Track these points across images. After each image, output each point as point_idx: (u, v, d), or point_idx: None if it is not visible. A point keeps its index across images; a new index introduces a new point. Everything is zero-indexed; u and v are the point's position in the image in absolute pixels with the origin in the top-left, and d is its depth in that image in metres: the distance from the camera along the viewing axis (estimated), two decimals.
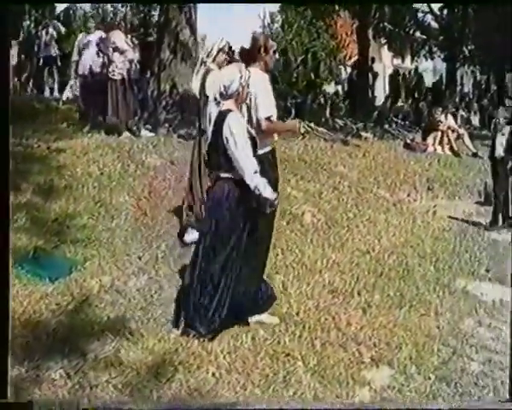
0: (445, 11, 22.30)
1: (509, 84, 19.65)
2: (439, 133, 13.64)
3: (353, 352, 5.06)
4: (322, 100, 17.48)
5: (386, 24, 21.59)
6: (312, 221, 7.97)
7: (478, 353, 5.25)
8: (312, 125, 12.56)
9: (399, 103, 19.31)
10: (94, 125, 10.95)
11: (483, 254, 7.42)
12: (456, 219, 8.79)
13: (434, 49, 22.53)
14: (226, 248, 4.95)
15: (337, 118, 15.32)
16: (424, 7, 22.32)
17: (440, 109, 14.23)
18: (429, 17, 22.51)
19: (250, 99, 5.12)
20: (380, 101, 18.68)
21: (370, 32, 20.12)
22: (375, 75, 18.87)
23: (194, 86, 6.33)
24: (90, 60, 11.40)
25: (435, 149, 13.45)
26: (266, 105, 5.21)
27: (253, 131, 4.96)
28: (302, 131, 5.67)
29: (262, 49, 5.35)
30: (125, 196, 8.22)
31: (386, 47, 22.19)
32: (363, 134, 13.59)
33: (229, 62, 5.91)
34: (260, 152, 5.02)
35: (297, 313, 5.55)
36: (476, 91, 24.26)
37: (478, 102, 21.68)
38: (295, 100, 16.98)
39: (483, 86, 25.66)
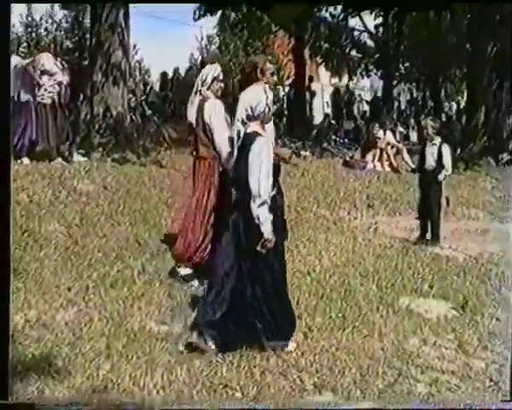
0: (381, 29, 22.60)
1: None
2: (378, 150, 13.69)
3: (294, 379, 4.83)
4: None
5: (322, 43, 21.73)
6: None
7: (424, 373, 5.08)
8: None
9: (338, 122, 19.42)
10: (21, 152, 10.52)
11: (426, 270, 7.31)
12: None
13: (370, 66, 22.77)
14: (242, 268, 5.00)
15: (275, 137, 15.19)
16: (360, 25, 22.59)
17: (378, 126, 14.29)
18: (365, 35, 22.78)
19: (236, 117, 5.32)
20: (318, 119, 18.72)
21: (307, 52, 20.23)
22: (313, 94, 18.92)
23: (190, 115, 6.33)
24: (18, 83, 10.98)
25: (375, 166, 13.50)
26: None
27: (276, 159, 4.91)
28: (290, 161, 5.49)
29: (259, 72, 5.72)
30: (55, 223, 7.90)
31: (323, 66, 22.35)
32: (302, 153, 13.51)
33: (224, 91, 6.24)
34: None
35: None
36: (413, 108, 24.70)
37: (415, 118, 22.00)
38: None
39: (419, 102, 26.15)
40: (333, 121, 18.75)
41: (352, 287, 6.63)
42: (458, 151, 16.41)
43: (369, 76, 23.14)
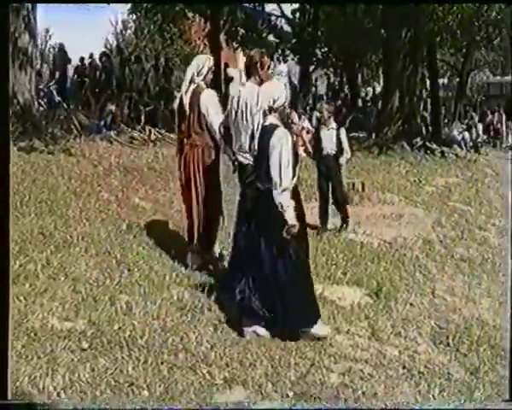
0: (297, 15, 22.63)
1: None
2: (294, 135, 13.62)
3: (204, 374, 4.65)
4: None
5: (238, 28, 21.56)
6: None
7: (337, 363, 4.99)
8: (164, 132, 12.13)
9: None
10: None
11: (340, 256, 7.25)
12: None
13: (287, 52, 22.79)
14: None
15: None
16: (277, 11, 22.55)
17: (294, 111, 14.23)
18: (282, 21, 22.77)
19: (247, 109, 5.70)
20: None
21: (223, 37, 20.00)
22: (229, 80, 18.69)
23: (186, 102, 6.38)
24: None
25: None
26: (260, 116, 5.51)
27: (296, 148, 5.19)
28: None
29: (258, 65, 5.91)
30: None
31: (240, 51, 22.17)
32: None
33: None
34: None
35: (141, 337, 5.03)
36: (330, 93, 24.94)
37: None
38: (147, 107, 16.51)
39: (336, 88, 26.43)
40: None
41: None
42: (373, 136, 16.67)
43: (285, 61, 23.14)
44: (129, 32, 34.75)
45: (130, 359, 4.75)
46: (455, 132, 19.77)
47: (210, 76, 6.49)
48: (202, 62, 6.46)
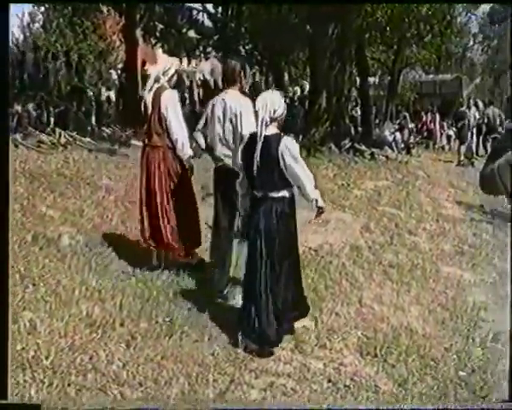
0: (220, 9, 22.65)
1: None
2: None
3: (115, 395, 4.64)
4: (89, 106, 16.91)
5: (156, 23, 21.41)
6: (71, 244, 7.39)
7: (258, 378, 5.04)
8: (75, 134, 11.94)
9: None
10: None
11: None
12: None
13: (209, 49, 22.78)
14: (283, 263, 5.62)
15: (104, 126, 14.82)
16: (198, 5, 22.50)
17: None
18: (203, 15, 22.72)
19: (235, 116, 6.21)
20: None
21: (139, 32, 19.84)
22: (147, 78, 18.54)
23: (148, 102, 6.80)
24: None
25: None
26: (249, 124, 6.00)
27: None
28: None
29: (240, 74, 6.42)
30: None
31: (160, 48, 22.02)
32: (134, 142, 13.21)
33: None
34: None
35: (47, 357, 4.96)
36: (255, 92, 24.99)
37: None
38: (57, 108, 16.23)
39: (262, 87, 26.53)
40: None
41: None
42: (300, 138, 16.82)
43: (207, 58, 23.14)
44: (37, 25, 34.00)
45: (33, 382, 4.69)
46: (386, 133, 20.07)
47: (175, 78, 6.99)
48: (169, 63, 6.96)
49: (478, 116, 23.47)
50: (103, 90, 19.91)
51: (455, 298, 7.25)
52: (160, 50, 22.29)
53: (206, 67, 25.43)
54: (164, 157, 6.78)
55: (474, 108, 23.69)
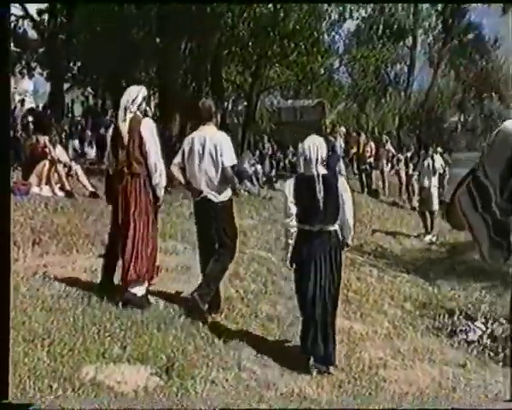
0: (46, 16, 21.84)
1: None
2: (45, 168, 12.96)
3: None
4: None
5: None
6: None
7: None
8: None
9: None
10: None
11: (115, 325, 6.70)
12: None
13: (33, 64, 21.88)
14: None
15: None
16: (18, 9, 21.53)
17: (47, 138, 13.55)
18: (26, 23, 21.82)
19: (215, 150, 7.41)
20: None
21: None
22: None
23: (123, 133, 7.47)
24: None
25: (41, 190, 12.76)
26: (230, 155, 7.51)
27: None
28: None
29: (212, 113, 7.68)
30: None
31: None
32: None
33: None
34: (223, 198, 7.55)
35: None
36: (90, 119, 24.22)
37: (92, 131, 21.64)
38: None
39: (97, 111, 25.85)
40: None
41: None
42: None
43: (31, 77, 22.24)
44: None
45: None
46: (245, 165, 19.88)
47: (144, 106, 7.67)
48: (136, 91, 7.66)
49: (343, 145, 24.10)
50: None
51: (348, 355, 7.10)
52: None
53: (29, 87, 24.53)
54: (144, 185, 7.44)
55: (339, 138, 24.21)
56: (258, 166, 21.01)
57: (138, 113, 7.54)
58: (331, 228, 6.82)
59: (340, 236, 6.90)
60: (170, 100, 16.86)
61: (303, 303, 6.87)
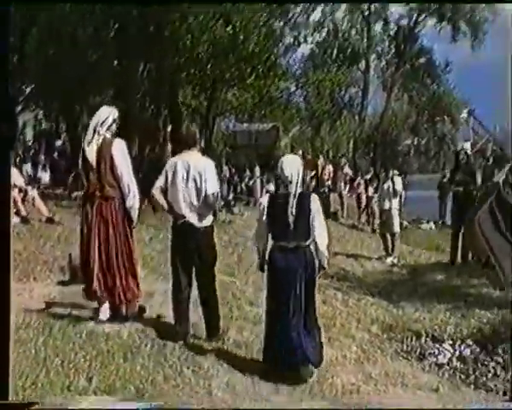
0: None
1: None
2: None
3: None
4: None
5: None
6: None
7: None
8: None
9: None
10: None
11: (79, 355, 6.52)
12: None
13: None
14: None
15: None
16: None
17: None
18: None
19: (200, 176, 7.42)
20: None
21: None
22: None
23: (91, 156, 7.48)
24: None
25: None
26: (213, 183, 7.53)
27: None
28: None
29: (195, 140, 7.75)
30: None
31: None
32: None
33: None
34: (205, 224, 7.58)
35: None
36: (44, 143, 23.84)
37: (46, 155, 21.33)
38: None
39: (52, 135, 25.46)
40: None
41: None
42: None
43: None
44: None
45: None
46: None
47: (114, 127, 7.64)
48: (106, 113, 7.62)
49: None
50: None
51: (321, 382, 6.95)
52: None
53: None
54: (119, 208, 7.53)
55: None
56: None
57: (108, 134, 7.55)
58: (307, 243, 6.98)
59: (314, 253, 7.03)
60: (128, 123, 16.53)
61: (272, 309, 7.05)
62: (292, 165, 7.04)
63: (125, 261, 7.68)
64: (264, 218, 7.06)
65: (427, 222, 25.40)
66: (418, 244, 18.92)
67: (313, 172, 24.41)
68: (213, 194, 7.51)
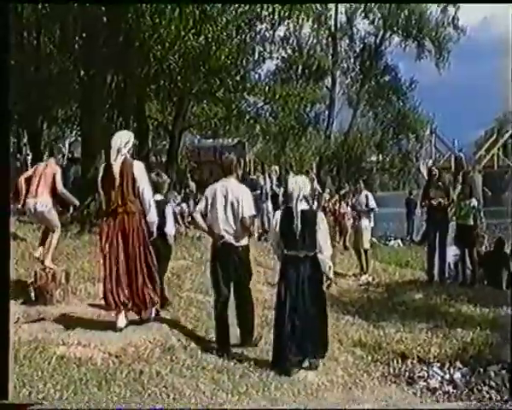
0: None
1: None
2: None
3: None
4: None
5: None
6: None
7: None
8: None
9: None
10: None
11: (49, 383, 5.98)
12: None
13: None
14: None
15: None
16: None
17: None
18: None
19: (237, 202, 8.20)
20: None
21: None
22: None
23: (116, 172, 8.09)
24: None
25: None
26: (249, 206, 8.33)
27: None
28: None
29: (233, 167, 8.47)
30: None
31: None
32: None
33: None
34: (242, 243, 8.33)
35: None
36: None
37: None
38: None
39: (16, 152, 24.65)
40: None
41: None
42: (71, 210, 15.52)
43: None
44: None
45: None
46: (171, 204, 19.22)
47: (132, 150, 8.38)
48: (127, 136, 8.39)
49: (274, 184, 23.41)
50: None
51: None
52: None
53: None
54: (140, 222, 8.15)
55: (274, 176, 23.41)
56: (184, 205, 20.36)
57: (128, 155, 8.18)
58: (313, 253, 7.82)
59: (320, 263, 7.86)
60: (94, 137, 15.90)
61: (281, 311, 7.85)
62: (294, 184, 7.98)
63: (145, 269, 8.17)
64: (277, 229, 8.02)
65: (395, 239, 25.22)
66: (387, 261, 18.70)
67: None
68: (250, 217, 8.32)
